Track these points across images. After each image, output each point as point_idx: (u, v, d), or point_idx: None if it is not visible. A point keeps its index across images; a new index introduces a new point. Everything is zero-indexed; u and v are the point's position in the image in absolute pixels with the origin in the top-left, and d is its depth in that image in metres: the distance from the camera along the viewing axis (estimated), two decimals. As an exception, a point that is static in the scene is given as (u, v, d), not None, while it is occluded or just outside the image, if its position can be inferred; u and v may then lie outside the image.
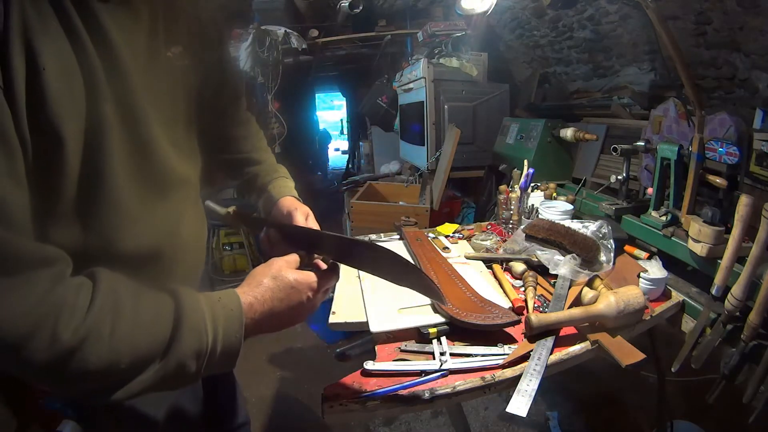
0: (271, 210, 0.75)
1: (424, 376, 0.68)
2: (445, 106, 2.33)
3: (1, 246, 0.34)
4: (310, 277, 0.53)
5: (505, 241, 1.22)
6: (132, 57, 0.50)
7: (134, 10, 0.51)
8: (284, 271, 0.52)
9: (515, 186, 1.39)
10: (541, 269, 1.01)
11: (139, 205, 0.53)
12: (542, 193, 1.49)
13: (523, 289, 0.96)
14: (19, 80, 0.37)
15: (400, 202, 2.55)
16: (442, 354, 0.72)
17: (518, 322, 0.78)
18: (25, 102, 0.38)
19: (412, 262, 0.65)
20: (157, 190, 0.56)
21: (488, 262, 1.09)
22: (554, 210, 1.24)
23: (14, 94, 0.37)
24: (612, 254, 0.98)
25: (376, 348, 0.77)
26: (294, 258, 0.55)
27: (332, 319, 0.84)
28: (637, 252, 1.06)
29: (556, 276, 0.96)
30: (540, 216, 1.25)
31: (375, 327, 0.79)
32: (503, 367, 0.70)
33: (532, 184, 1.46)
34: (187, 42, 0.61)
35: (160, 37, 0.56)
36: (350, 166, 5.20)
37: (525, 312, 0.86)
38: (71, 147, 0.43)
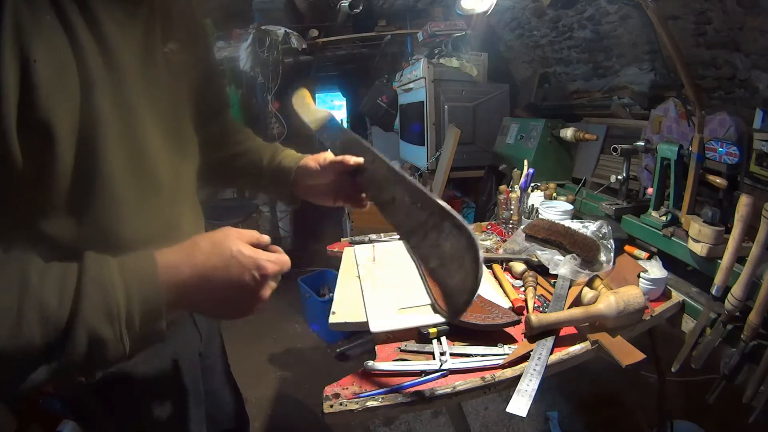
0: (294, 176, 0.72)
1: (424, 376, 0.68)
2: (445, 106, 2.33)
3: None
4: (259, 253, 0.46)
5: (505, 241, 1.22)
6: (128, 53, 0.50)
7: (131, 8, 0.52)
8: (229, 240, 0.46)
9: (515, 186, 1.39)
10: (541, 269, 1.01)
11: (135, 199, 0.52)
12: (542, 193, 1.49)
13: (523, 289, 0.96)
14: (10, 75, 0.37)
15: (400, 202, 2.55)
16: (442, 354, 0.72)
17: (518, 322, 0.78)
18: (17, 97, 0.38)
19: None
20: (151, 185, 0.55)
21: (488, 262, 1.09)
22: (554, 210, 1.24)
23: (1, 89, 0.37)
24: (612, 254, 0.98)
25: (376, 348, 0.77)
26: (250, 233, 0.48)
27: (332, 319, 0.84)
28: (637, 252, 1.06)
29: (556, 276, 0.96)
30: (540, 216, 1.25)
31: (375, 327, 0.79)
32: (503, 367, 0.70)
33: (532, 184, 1.46)
34: (183, 41, 0.61)
35: (157, 35, 0.56)
36: (350, 166, 5.19)
37: (525, 312, 0.86)
38: (64, 140, 0.43)
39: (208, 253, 0.44)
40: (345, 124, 5.74)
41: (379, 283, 0.95)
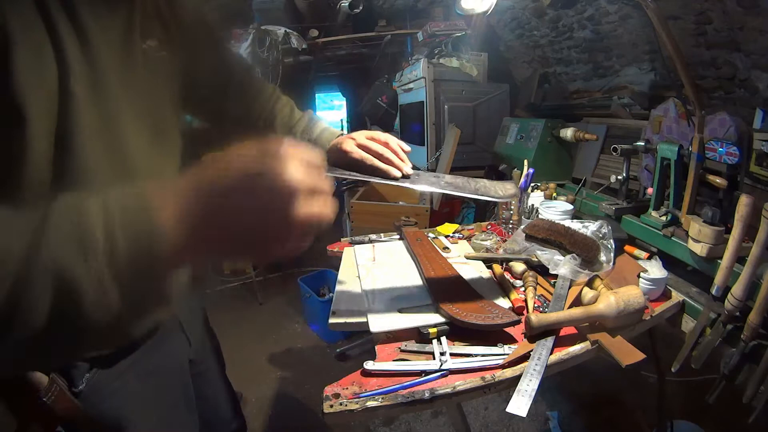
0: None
1: (424, 376, 0.68)
2: (445, 106, 2.33)
3: None
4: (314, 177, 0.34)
5: (505, 241, 1.21)
6: (107, 45, 0.50)
7: (111, 1, 0.51)
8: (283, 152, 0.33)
9: (515, 186, 1.39)
10: (541, 269, 1.01)
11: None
12: (542, 193, 1.49)
13: (523, 289, 0.96)
14: None
15: (400, 202, 2.55)
16: (442, 354, 0.72)
17: (518, 322, 0.78)
18: None
19: None
20: (129, 178, 0.53)
21: (488, 262, 1.09)
22: (554, 210, 1.24)
23: None
24: (612, 254, 0.98)
25: (376, 348, 0.77)
26: (310, 152, 0.35)
27: (332, 319, 0.84)
28: (637, 252, 1.06)
29: (556, 276, 0.96)
30: (540, 216, 1.25)
31: (375, 327, 0.79)
32: (503, 367, 0.70)
33: (532, 184, 1.46)
34: (167, 36, 0.60)
35: (137, 29, 0.55)
36: (350, 166, 5.15)
37: (525, 312, 0.85)
38: (38, 128, 0.42)
39: (248, 159, 0.32)
40: (345, 124, 5.74)
41: (379, 284, 0.95)
